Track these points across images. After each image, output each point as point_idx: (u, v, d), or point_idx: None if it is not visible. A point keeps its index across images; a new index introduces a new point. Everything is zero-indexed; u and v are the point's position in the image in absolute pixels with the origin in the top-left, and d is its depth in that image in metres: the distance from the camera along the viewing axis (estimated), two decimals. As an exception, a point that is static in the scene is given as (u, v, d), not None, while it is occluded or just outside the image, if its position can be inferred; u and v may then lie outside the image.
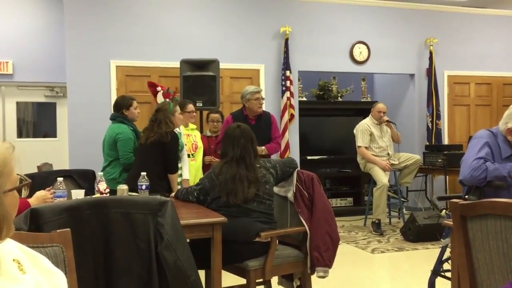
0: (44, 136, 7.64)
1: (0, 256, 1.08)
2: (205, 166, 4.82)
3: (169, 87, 4.83)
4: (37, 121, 7.77)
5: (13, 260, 1.11)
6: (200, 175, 4.57)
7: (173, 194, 3.33)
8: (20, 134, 7.45)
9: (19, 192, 1.12)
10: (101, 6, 5.95)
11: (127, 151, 4.15)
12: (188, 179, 4.40)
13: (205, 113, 5.48)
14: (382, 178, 5.90)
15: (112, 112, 4.50)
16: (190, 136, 4.70)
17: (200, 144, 4.80)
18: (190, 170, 4.49)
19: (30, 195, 2.74)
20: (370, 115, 6.27)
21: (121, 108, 4.37)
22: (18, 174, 1.11)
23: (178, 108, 4.14)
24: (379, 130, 6.18)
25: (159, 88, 4.76)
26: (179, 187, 4.17)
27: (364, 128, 6.11)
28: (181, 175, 4.32)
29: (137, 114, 4.41)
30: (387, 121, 6.22)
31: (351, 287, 4.12)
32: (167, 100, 4.30)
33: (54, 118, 7.55)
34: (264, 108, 4.88)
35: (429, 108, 7.09)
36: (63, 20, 6.05)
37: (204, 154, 4.89)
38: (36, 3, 7.20)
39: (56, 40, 7.04)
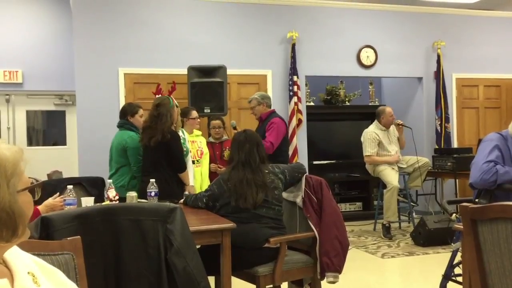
0: (54, 144, 7.70)
1: (15, 269, 1.10)
2: (211, 174, 4.79)
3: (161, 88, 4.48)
4: (47, 129, 7.85)
5: (28, 273, 1.12)
6: (207, 182, 4.56)
7: (182, 200, 3.34)
8: (30, 142, 7.52)
9: (32, 193, 1.13)
10: (109, 15, 6.00)
11: (139, 159, 4.11)
12: (193, 186, 4.38)
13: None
14: (392, 180, 5.85)
15: (119, 119, 4.49)
16: (195, 143, 4.67)
17: (205, 150, 4.78)
18: (196, 177, 4.47)
19: (41, 201, 2.76)
20: (376, 122, 6.11)
21: (126, 114, 4.36)
22: (30, 177, 1.13)
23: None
24: (387, 137, 6.08)
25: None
26: (187, 193, 4.17)
27: (372, 137, 5.97)
28: None
29: (142, 123, 4.28)
30: (401, 124, 6.08)
31: (362, 292, 4.11)
32: (162, 95, 4.16)
33: (63, 126, 7.61)
34: None
35: (437, 111, 7.06)
36: (72, 29, 6.11)
37: (210, 161, 4.86)
38: (44, 13, 7.28)
39: (64, 48, 7.11)
